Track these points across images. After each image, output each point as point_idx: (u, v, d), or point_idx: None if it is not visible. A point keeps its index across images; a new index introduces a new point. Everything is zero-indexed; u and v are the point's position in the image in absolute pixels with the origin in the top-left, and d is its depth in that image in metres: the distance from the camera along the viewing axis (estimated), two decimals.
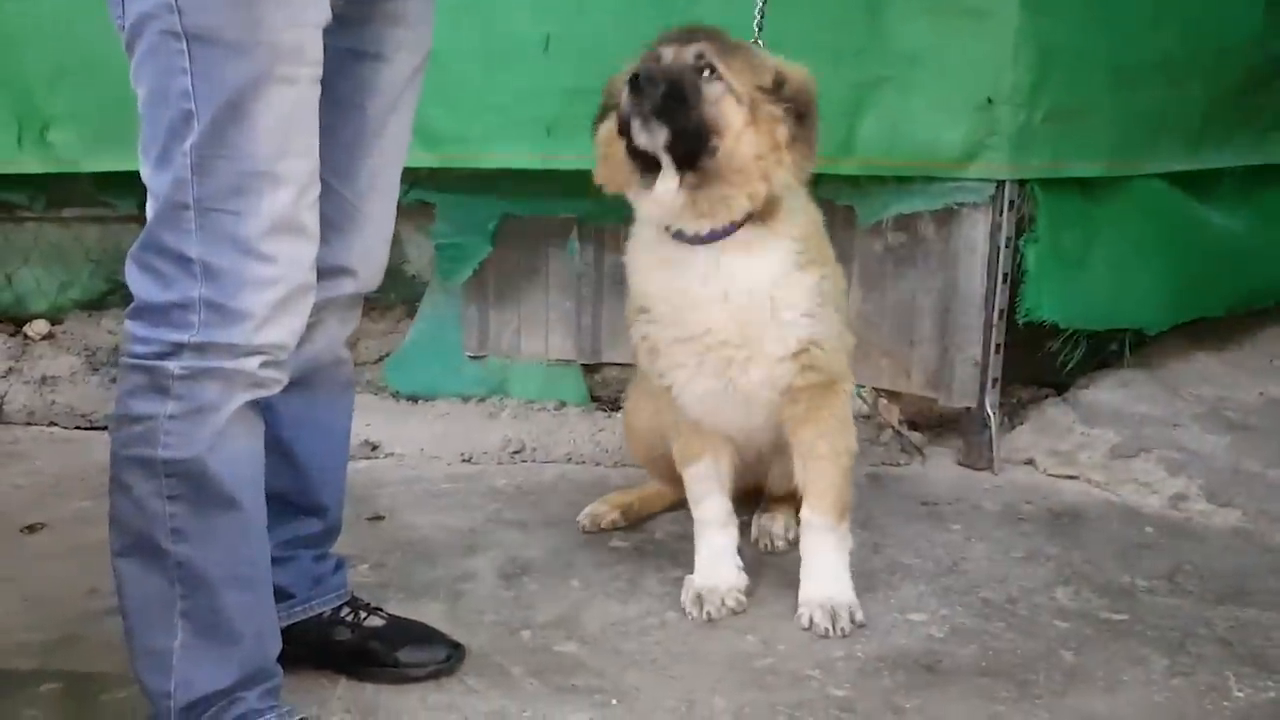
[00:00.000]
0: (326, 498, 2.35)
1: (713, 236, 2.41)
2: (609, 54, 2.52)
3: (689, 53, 2.34)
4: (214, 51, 1.75)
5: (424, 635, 2.39)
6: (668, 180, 2.34)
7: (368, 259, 2.23)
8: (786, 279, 2.45)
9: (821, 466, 2.57)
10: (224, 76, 1.75)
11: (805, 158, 2.41)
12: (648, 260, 2.52)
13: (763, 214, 2.40)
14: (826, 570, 2.58)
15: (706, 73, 2.33)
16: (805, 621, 2.54)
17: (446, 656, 2.35)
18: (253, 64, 1.77)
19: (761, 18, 2.65)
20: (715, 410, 2.59)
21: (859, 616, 2.53)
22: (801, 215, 2.50)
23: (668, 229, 2.43)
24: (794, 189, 2.45)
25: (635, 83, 2.27)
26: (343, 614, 2.35)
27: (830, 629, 2.50)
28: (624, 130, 2.32)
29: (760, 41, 2.60)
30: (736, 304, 2.44)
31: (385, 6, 2.09)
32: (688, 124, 2.29)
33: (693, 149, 2.31)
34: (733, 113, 2.33)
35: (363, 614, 2.37)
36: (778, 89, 2.37)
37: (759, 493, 2.99)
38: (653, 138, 2.29)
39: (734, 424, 2.64)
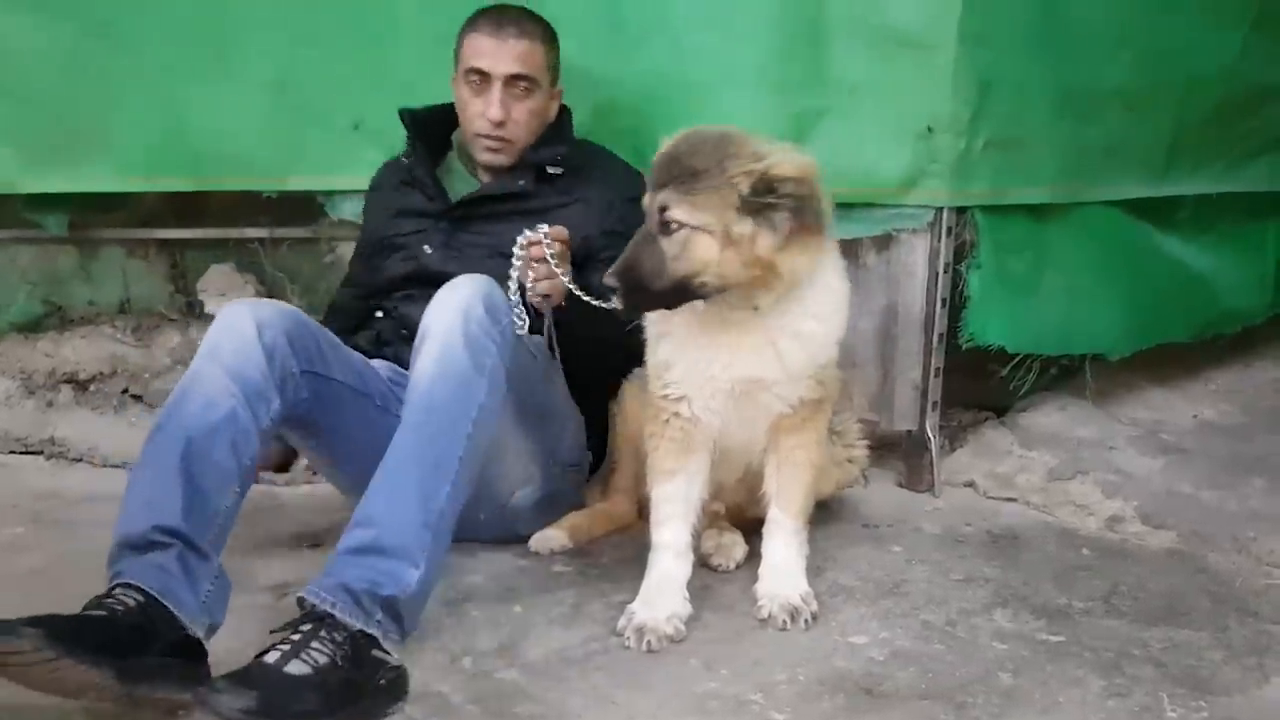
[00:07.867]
0: None
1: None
2: None
3: (655, 206, 2.42)
4: None
5: None
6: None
7: None
8: (810, 330, 2.58)
9: (796, 473, 2.72)
10: None
11: (814, 238, 2.47)
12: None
13: None
14: (788, 568, 2.71)
15: (673, 226, 2.40)
16: (765, 614, 2.63)
17: None
18: None
19: None
20: (726, 422, 2.67)
21: (815, 610, 2.64)
22: (824, 274, 2.60)
23: None
24: (811, 265, 2.52)
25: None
26: None
27: (789, 623, 2.60)
28: None
29: None
30: (766, 352, 2.57)
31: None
32: (671, 298, 2.45)
33: (684, 299, 2.45)
34: (703, 249, 2.40)
35: None
36: (769, 190, 2.39)
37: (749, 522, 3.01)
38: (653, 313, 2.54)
39: (737, 438, 2.73)
